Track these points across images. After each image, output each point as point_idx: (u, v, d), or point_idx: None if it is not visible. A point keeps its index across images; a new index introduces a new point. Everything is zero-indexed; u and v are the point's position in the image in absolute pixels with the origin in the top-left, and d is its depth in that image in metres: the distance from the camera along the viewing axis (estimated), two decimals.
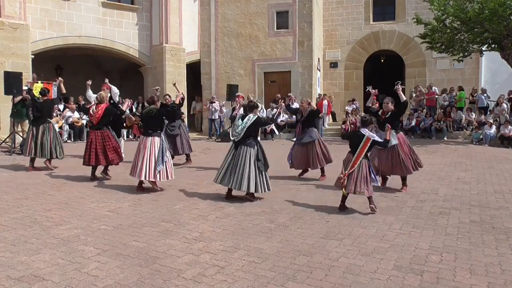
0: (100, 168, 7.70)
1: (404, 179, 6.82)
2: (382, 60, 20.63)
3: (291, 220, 5.02)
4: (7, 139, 11.79)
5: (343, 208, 5.45)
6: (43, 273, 3.43)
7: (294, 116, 12.03)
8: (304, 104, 7.73)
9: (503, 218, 5.19)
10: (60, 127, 14.54)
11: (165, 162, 6.43)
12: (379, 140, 5.53)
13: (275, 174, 7.52)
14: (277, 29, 17.76)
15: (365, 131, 5.46)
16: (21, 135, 11.77)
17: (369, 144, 5.37)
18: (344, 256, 3.85)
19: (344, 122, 17.17)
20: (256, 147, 5.89)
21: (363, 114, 6.11)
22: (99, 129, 7.47)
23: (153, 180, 6.46)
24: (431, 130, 15.62)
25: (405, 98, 6.76)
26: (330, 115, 18.72)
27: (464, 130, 15.53)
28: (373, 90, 7.12)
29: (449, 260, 3.79)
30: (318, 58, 18.88)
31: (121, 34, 18.41)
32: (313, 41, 17.34)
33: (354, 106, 17.38)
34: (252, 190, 5.79)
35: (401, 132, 6.96)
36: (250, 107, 6.07)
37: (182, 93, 9.19)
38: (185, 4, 19.86)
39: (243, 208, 5.57)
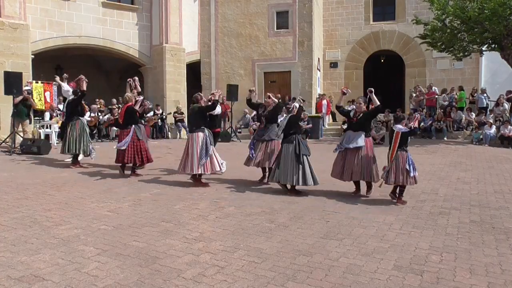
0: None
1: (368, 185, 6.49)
2: (382, 60, 20.63)
3: (291, 220, 5.02)
4: (7, 139, 11.78)
5: (401, 201, 5.89)
6: (43, 273, 3.43)
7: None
8: (270, 100, 7.45)
9: (503, 218, 5.19)
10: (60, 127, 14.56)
11: (210, 155, 6.74)
12: (407, 129, 5.93)
13: None
14: (277, 29, 17.76)
15: (395, 127, 5.96)
16: (22, 135, 11.78)
17: (399, 137, 5.80)
18: (344, 256, 3.85)
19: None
20: (294, 142, 6.33)
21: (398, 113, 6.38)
22: (124, 129, 7.72)
23: (199, 172, 6.77)
24: (431, 130, 15.61)
25: (378, 103, 6.43)
26: (330, 115, 18.72)
27: (464, 130, 15.52)
28: (346, 90, 7.03)
29: (449, 260, 3.79)
30: (318, 58, 18.88)
31: (121, 34, 18.40)
32: (313, 41, 17.34)
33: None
34: (299, 183, 6.22)
35: (370, 138, 6.61)
36: (286, 109, 6.78)
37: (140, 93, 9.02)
38: (185, 4, 19.86)
39: (243, 208, 5.57)
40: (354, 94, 19.13)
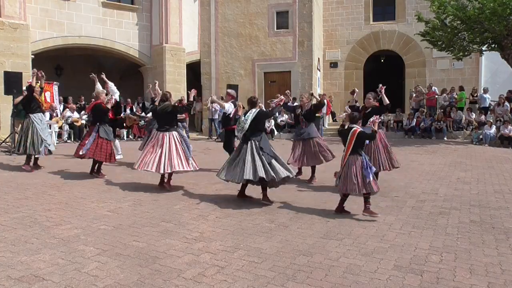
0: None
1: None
2: (382, 60, 20.62)
3: (291, 220, 5.02)
4: (7, 139, 11.78)
5: (339, 211, 5.27)
6: (43, 273, 3.43)
7: (292, 115, 11.97)
8: (304, 99, 7.58)
9: (503, 218, 5.19)
10: (60, 127, 14.56)
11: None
12: (367, 131, 5.32)
13: None
14: (277, 29, 17.77)
15: (353, 126, 5.24)
16: None
17: (356, 136, 5.07)
18: (344, 256, 3.85)
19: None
20: (260, 139, 5.87)
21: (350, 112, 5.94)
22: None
23: (188, 169, 6.68)
24: (431, 130, 15.62)
25: (388, 102, 6.55)
26: (330, 115, 18.72)
27: (464, 130, 15.52)
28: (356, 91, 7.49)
29: (449, 260, 3.78)
30: (318, 58, 18.88)
31: (121, 34, 18.41)
32: (313, 41, 17.34)
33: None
34: (257, 177, 5.60)
35: (381, 130, 6.86)
36: (252, 103, 6.13)
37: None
38: (185, 4, 19.87)
39: (243, 208, 5.57)
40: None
